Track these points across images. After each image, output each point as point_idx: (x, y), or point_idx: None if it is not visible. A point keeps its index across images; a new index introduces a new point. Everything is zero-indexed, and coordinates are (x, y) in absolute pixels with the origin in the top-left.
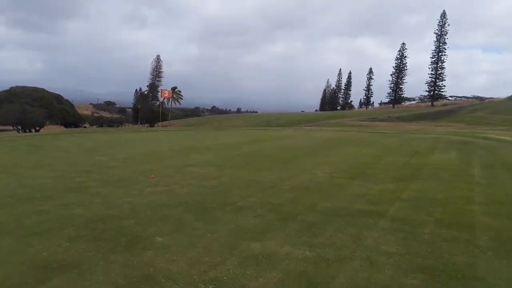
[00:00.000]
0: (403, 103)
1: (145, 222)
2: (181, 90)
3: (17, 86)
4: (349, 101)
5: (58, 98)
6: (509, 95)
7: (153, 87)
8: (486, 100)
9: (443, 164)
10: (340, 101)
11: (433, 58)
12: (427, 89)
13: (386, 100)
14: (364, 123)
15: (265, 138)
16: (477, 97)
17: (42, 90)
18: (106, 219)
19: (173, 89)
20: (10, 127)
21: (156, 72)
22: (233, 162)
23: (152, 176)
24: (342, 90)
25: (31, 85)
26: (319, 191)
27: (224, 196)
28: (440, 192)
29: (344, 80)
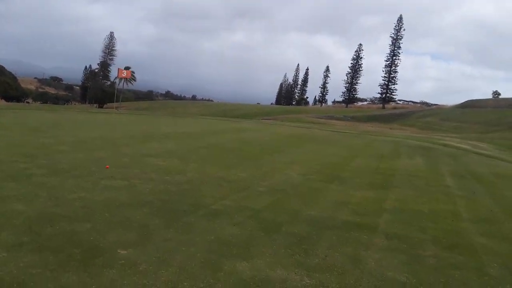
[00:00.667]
0: (355, 103)
1: (103, 227)
2: (135, 71)
3: None
4: (305, 97)
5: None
6: (456, 103)
7: (105, 65)
8: (433, 107)
9: (414, 170)
10: (296, 96)
11: (387, 61)
12: (380, 91)
13: (340, 99)
14: (321, 121)
15: (227, 130)
16: (425, 103)
17: None
18: (55, 220)
19: (126, 69)
20: None
21: (109, 50)
22: (198, 155)
23: (107, 166)
24: (299, 86)
25: None
26: (298, 195)
27: (194, 197)
28: (422, 204)
29: (301, 76)
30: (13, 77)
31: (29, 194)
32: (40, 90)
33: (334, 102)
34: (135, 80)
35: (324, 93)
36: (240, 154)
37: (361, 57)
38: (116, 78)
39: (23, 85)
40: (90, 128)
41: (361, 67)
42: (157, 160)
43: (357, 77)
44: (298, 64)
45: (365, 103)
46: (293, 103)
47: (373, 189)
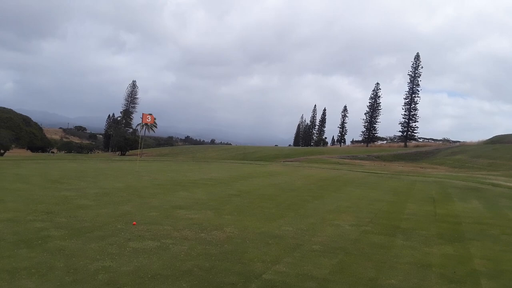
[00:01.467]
0: (375, 142)
1: None
2: (156, 118)
3: None
4: (324, 137)
5: (26, 120)
6: (480, 139)
7: (127, 113)
8: (457, 144)
9: (478, 217)
10: (314, 137)
11: (406, 99)
12: (400, 130)
13: (359, 138)
14: (346, 161)
15: (254, 174)
16: (447, 140)
17: (10, 111)
18: None
19: (145, 124)
20: None
21: (131, 98)
22: (232, 205)
23: (134, 223)
24: (317, 126)
25: None
26: (363, 255)
27: (241, 262)
28: None
29: (318, 117)
30: (39, 128)
31: (43, 265)
32: (64, 139)
33: (352, 141)
34: (156, 127)
35: (343, 132)
36: (277, 202)
37: (379, 96)
38: (138, 125)
39: (48, 135)
40: (114, 178)
41: (380, 105)
42: (188, 213)
43: (376, 115)
44: (315, 105)
45: (385, 142)
46: (312, 144)
47: (447, 243)
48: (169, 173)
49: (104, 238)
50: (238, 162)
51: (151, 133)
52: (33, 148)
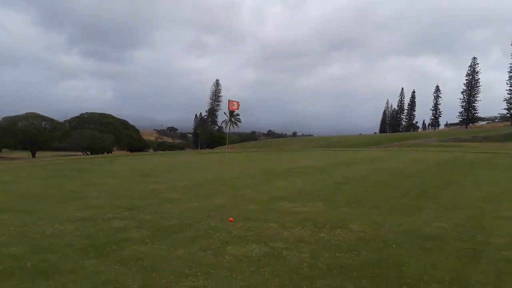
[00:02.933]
0: (476, 123)
1: None
2: (239, 114)
3: (86, 113)
4: (414, 122)
5: (124, 124)
6: None
7: (212, 111)
8: None
9: None
10: (403, 122)
11: (511, 72)
12: (506, 107)
13: (456, 120)
14: (449, 143)
15: (354, 160)
16: None
17: (110, 116)
18: None
19: (231, 113)
20: (80, 153)
21: (215, 97)
22: (344, 195)
23: (231, 219)
24: (405, 111)
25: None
26: None
27: (405, 283)
28: None
29: (406, 100)
30: (136, 130)
31: (110, 284)
32: (159, 140)
33: (447, 124)
34: (240, 122)
35: (437, 115)
36: (401, 190)
37: (477, 72)
38: (223, 122)
39: (144, 137)
40: (204, 169)
41: (478, 82)
42: (293, 206)
43: (475, 93)
44: (402, 88)
45: (485, 122)
46: (400, 129)
47: None
48: (259, 162)
49: (195, 241)
50: (329, 149)
51: (236, 129)
52: (132, 149)
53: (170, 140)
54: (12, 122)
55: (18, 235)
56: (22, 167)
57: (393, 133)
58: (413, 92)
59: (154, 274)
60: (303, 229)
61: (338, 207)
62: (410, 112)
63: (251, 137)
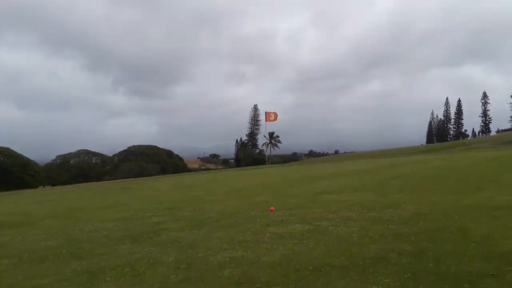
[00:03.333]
0: None
1: None
2: (279, 136)
3: (133, 146)
4: (463, 130)
5: (169, 153)
6: None
7: (252, 135)
8: None
9: None
10: (451, 131)
11: None
12: None
13: (508, 126)
14: (503, 146)
15: (400, 163)
16: None
17: (155, 147)
18: None
19: (271, 134)
20: None
21: (254, 121)
22: (393, 186)
23: (272, 208)
24: (452, 120)
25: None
26: None
27: (474, 241)
28: None
29: (453, 110)
30: (180, 159)
31: (144, 261)
32: (202, 167)
33: (498, 131)
34: (280, 142)
35: (487, 121)
36: (457, 178)
37: None
38: (263, 144)
39: (189, 165)
40: (244, 179)
41: None
42: (339, 196)
43: None
44: (447, 98)
45: None
46: (448, 139)
47: None
48: (301, 171)
49: (234, 226)
50: (374, 158)
51: (277, 151)
52: None
53: (213, 167)
54: (65, 159)
55: (57, 233)
56: (70, 190)
57: (441, 143)
58: (459, 100)
59: (190, 251)
60: (350, 211)
61: (388, 194)
62: (458, 121)
63: (293, 158)
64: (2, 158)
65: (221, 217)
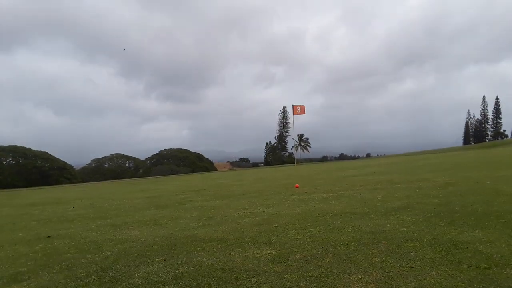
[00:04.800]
0: None
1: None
2: (308, 138)
3: (165, 149)
4: (502, 130)
5: (199, 157)
6: None
7: (281, 138)
8: None
9: None
10: (489, 132)
11: None
12: None
13: None
14: None
15: (433, 157)
16: None
17: (186, 150)
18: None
19: (300, 137)
20: None
21: (283, 123)
22: (424, 169)
23: (297, 185)
24: (490, 120)
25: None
26: None
27: (501, 194)
28: None
29: (490, 109)
30: (210, 162)
31: (166, 218)
32: (232, 171)
33: None
34: (310, 146)
35: None
36: (491, 163)
37: None
38: (292, 147)
39: (219, 169)
40: (272, 172)
41: None
42: (366, 178)
43: None
44: (484, 96)
45: None
46: (486, 139)
47: None
48: (329, 165)
49: (257, 197)
50: (405, 156)
51: (306, 154)
52: None
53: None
54: (99, 163)
55: (86, 207)
56: (101, 185)
57: (478, 144)
58: (497, 98)
59: (212, 211)
60: (377, 185)
61: (418, 174)
62: (496, 120)
63: (323, 161)
64: (40, 162)
65: (245, 193)
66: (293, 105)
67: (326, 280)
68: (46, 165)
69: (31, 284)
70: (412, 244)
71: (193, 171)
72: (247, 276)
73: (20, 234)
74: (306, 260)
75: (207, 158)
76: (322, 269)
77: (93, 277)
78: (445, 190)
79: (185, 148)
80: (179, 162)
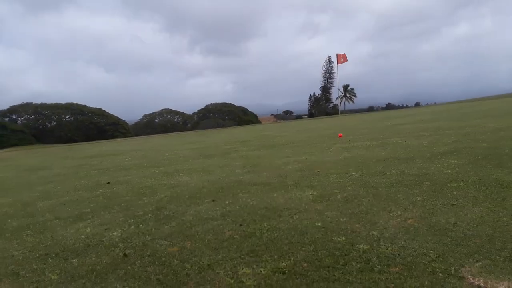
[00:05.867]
0: None
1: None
2: (354, 88)
3: (210, 104)
4: None
5: (243, 110)
6: None
7: (326, 89)
8: None
9: None
10: None
11: None
12: None
13: None
14: None
15: (485, 104)
16: None
17: (230, 104)
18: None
19: (345, 87)
20: None
21: (328, 74)
22: (479, 116)
23: (340, 134)
24: None
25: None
26: None
27: None
28: None
29: None
30: (254, 116)
31: (212, 166)
32: (276, 123)
33: None
34: (355, 96)
35: None
36: None
37: None
38: (337, 98)
39: (263, 122)
40: (316, 123)
41: None
42: (413, 126)
43: None
44: None
45: None
46: None
47: None
48: (374, 115)
49: (301, 147)
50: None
51: (351, 105)
52: None
53: None
54: (150, 118)
55: (141, 157)
56: (153, 139)
57: None
58: None
59: (257, 159)
60: (423, 132)
61: (468, 120)
62: None
63: (368, 112)
64: (96, 118)
65: (288, 143)
66: (336, 54)
67: (366, 216)
68: (102, 120)
69: (95, 222)
70: (455, 184)
71: (238, 125)
72: (289, 214)
73: (82, 182)
74: (346, 200)
75: (252, 112)
76: (362, 207)
77: (149, 215)
78: (495, 135)
79: (230, 103)
80: (224, 116)
